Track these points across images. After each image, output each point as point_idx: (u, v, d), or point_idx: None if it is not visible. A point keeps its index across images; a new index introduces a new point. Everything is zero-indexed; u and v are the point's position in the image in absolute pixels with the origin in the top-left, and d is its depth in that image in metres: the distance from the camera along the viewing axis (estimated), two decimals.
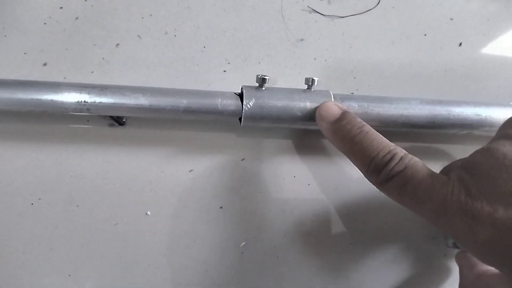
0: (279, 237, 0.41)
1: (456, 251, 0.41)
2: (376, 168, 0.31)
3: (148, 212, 0.39)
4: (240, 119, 0.36)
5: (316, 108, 0.36)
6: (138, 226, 0.38)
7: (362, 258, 0.43)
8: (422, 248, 0.44)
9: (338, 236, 0.42)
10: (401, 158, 0.30)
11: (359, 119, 0.34)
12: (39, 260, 0.37)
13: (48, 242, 0.37)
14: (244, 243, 0.40)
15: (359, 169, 0.33)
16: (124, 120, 0.38)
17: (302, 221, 0.41)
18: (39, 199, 0.37)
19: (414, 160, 0.30)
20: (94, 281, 0.38)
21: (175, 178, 0.39)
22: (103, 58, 0.39)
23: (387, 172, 0.30)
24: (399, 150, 0.31)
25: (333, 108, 0.35)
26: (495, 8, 0.48)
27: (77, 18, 0.39)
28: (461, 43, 0.46)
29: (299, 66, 0.43)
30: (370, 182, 0.33)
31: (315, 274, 0.41)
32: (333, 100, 0.37)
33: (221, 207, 0.40)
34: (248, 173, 0.40)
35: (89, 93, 0.34)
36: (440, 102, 0.39)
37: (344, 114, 0.35)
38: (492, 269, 0.35)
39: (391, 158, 0.31)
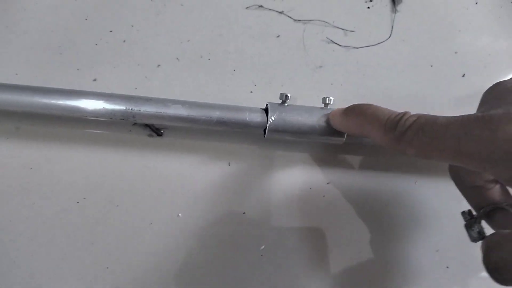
0: (296, 242, 0.44)
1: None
2: (391, 125, 0.33)
3: (180, 214, 0.43)
4: (264, 131, 0.41)
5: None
6: (170, 226, 0.42)
7: (371, 267, 0.46)
8: (425, 261, 0.47)
9: (350, 244, 0.46)
10: (414, 114, 0.32)
11: None
12: (80, 253, 0.41)
13: (89, 237, 0.41)
14: (264, 246, 0.44)
15: (375, 134, 0.35)
16: (162, 131, 0.43)
17: (317, 228, 0.45)
18: (84, 198, 0.42)
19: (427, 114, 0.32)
20: (129, 273, 0.41)
21: (205, 184, 0.43)
22: (145, 77, 0.44)
23: (402, 124, 0.32)
24: (409, 111, 0.33)
25: (340, 108, 0.39)
26: (496, 43, 0.53)
27: (124, 41, 0.45)
28: (464, 74, 0.51)
29: (318, 90, 0.48)
30: (388, 142, 0.33)
31: (329, 276, 0.45)
32: None
33: (244, 213, 0.44)
34: (270, 182, 0.45)
35: (135, 102, 0.39)
36: None
37: (350, 105, 0.38)
38: None
39: (404, 114, 0.33)
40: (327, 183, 0.46)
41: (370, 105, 0.37)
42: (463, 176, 0.39)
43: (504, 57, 0.53)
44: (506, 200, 0.37)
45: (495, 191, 0.38)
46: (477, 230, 0.37)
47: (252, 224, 0.44)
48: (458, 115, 0.29)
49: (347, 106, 0.39)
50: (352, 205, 0.46)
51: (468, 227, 0.38)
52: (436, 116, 0.31)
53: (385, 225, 0.46)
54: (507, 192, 0.38)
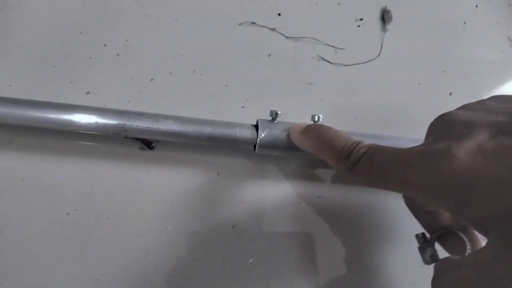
0: (284, 256, 0.45)
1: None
2: (345, 154, 0.34)
3: (169, 227, 0.43)
4: (254, 146, 0.42)
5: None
6: (159, 239, 0.43)
7: (358, 280, 0.47)
8: (410, 276, 0.48)
9: (338, 258, 0.46)
10: (365, 144, 0.34)
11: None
12: (70, 264, 0.41)
13: (79, 248, 0.42)
14: (252, 260, 0.45)
15: (330, 161, 0.36)
16: (153, 144, 0.44)
17: (305, 242, 0.46)
18: (75, 210, 0.42)
19: (377, 144, 0.33)
20: (118, 285, 0.42)
21: (195, 197, 0.44)
22: (138, 90, 0.45)
23: (354, 154, 0.33)
24: (363, 140, 0.35)
25: (302, 123, 0.41)
26: (482, 62, 0.54)
27: (118, 54, 0.45)
28: (451, 93, 0.52)
29: (307, 106, 0.48)
30: (341, 171, 0.35)
31: None
32: None
33: (233, 226, 0.44)
34: (259, 196, 0.45)
35: (128, 117, 0.39)
36: None
37: (311, 124, 0.40)
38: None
39: (357, 145, 0.34)
40: (318, 197, 0.47)
41: (329, 129, 0.38)
42: (416, 201, 0.40)
43: (490, 76, 0.55)
44: (457, 225, 0.39)
45: (447, 216, 0.39)
46: (430, 253, 0.38)
47: (241, 238, 0.45)
48: (404, 147, 0.31)
49: (308, 124, 0.40)
50: (341, 220, 0.47)
51: (422, 250, 0.40)
52: (384, 147, 0.32)
53: (373, 239, 0.47)
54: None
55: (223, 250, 0.44)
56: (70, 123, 0.38)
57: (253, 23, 0.50)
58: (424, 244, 0.39)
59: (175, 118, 0.40)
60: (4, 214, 0.41)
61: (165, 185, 0.44)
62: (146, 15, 0.47)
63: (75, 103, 0.40)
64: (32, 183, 0.42)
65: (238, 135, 0.41)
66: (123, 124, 0.39)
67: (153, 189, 0.44)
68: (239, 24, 0.49)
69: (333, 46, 0.51)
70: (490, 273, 0.26)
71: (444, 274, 0.31)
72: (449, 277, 0.30)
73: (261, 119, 0.42)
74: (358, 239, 0.47)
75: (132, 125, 0.39)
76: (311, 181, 0.47)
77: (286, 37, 0.50)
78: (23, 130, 0.42)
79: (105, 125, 0.39)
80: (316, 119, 0.42)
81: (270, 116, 0.42)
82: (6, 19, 0.44)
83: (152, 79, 0.45)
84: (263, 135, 0.41)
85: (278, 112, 0.41)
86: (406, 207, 0.47)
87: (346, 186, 0.48)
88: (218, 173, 0.45)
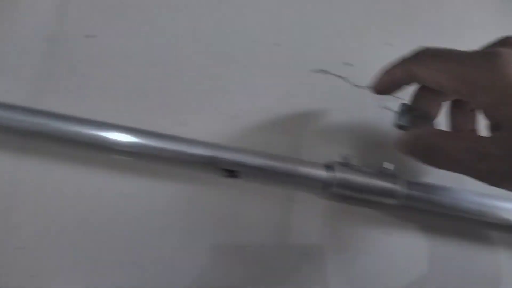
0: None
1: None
2: None
3: (247, 248, 0.48)
4: (327, 185, 0.46)
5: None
6: (236, 263, 0.48)
7: None
8: None
9: None
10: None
11: None
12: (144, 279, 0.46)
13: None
14: (318, 287, 0.49)
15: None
16: (238, 173, 0.48)
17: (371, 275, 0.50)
18: (160, 229, 0.47)
19: None
20: None
21: (271, 224, 0.49)
22: (224, 125, 0.51)
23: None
24: None
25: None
26: None
27: (207, 91, 0.51)
28: None
29: (373, 152, 0.53)
30: None
31: None
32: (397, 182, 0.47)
33: (304, 254, 0.49)
34: (324, 231, 0.50)
35: (219, 150, 0.45)
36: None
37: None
38: None
39: None
40: (385, 234, 0.51)
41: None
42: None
43: None
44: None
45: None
46: (411, 117, 0.44)
47: (309, 265, 0.49)
48: None
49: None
50: (398, 265, 0.51)
51: (405, 113, 0.44)
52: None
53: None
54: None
55: (291, 276, 0.49)
56: (175, 153, 0.44)
57: (324, 70, 0.55)
58: (407, 107, 0.44)
59: (259, 154, 0.46)
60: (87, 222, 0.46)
61: (246, 212, 0.49)
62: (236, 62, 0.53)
63: (171, 133, 0.45)
64: (123, 205, 0.47)
65: (312, 173, 0.46)
66: (216, 156, 0.44)
67: (232, 215, 0.49)
68: (311, 71, 0.55)
69: (397, 97, 0.55)
70: (483, 151, 0.31)
71: (430, 141, 0.37)
72: (439, 145, 0.36)
73: (335, 161, 0.47)
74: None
75: (222, 157, 0.44)
76: (380, 227, 0.51)
77: (355, 85, 0.55)
78: (121, 154, 0.47)
79: (201, 156, 0.44)
80: (385, 167, 0.47)
81: (342, 159, 0.47)
82: (111, 50, 0.50)
83: (237, 116, 0.51)
84: (336, 175, 0.45)
85: (350, 155, 0.46)
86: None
87: (407, 225, 0.52)
88: (292, 204, 0.50)
